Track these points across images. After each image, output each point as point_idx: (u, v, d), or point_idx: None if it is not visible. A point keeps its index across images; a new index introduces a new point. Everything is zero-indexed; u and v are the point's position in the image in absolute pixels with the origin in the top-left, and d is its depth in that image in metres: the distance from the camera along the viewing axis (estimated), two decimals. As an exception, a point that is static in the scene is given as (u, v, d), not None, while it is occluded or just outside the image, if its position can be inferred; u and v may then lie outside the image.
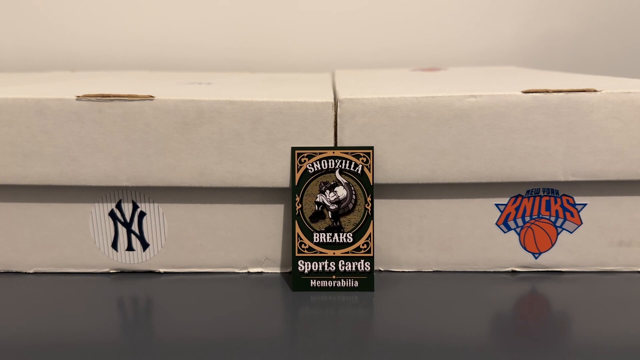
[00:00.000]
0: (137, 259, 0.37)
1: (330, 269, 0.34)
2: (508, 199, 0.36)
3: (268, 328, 0.30)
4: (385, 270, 0.38)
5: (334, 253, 0.34)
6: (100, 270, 0.38)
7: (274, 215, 0.36)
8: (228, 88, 0.41)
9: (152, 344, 0.29)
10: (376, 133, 0.34)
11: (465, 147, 0.34)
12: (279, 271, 0.38)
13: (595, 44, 0.71)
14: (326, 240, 0.34)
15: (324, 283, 0.34)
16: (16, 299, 0.34)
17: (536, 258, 0.37)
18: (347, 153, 0.34)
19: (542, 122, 0.34)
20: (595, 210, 0.36)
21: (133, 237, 0.37)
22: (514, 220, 0.36)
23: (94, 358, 0.27)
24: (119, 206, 0.37)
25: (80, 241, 0.37)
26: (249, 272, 0.38)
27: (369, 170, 0.34)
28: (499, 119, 0.34)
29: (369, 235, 0.34)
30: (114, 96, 0.34)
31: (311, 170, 0.34)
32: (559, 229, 0.37)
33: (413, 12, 0.70)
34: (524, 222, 0.37)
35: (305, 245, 0.34)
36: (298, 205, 0.34)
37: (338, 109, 0.34)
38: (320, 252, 0.34)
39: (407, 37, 0.71)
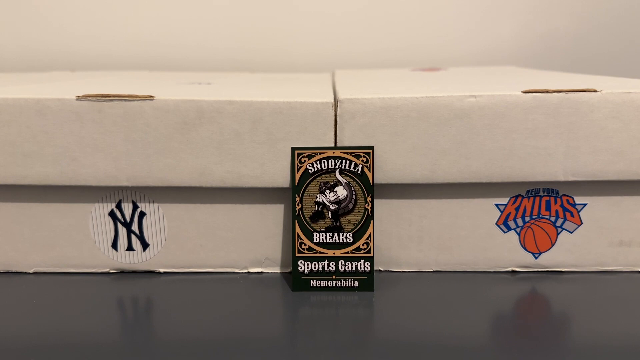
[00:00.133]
0: (137, 259, 0.37)
1: (330, 269, 0.34)
2: (508, 199, 0.36)
3: (268, 328, 0.30)
4: (385, 270, 0.38)
5: (334, 253, 0.34)
6: (100, 270, 0.38)
7: (274, 215, 0.36)
8: (228, 88, 0.41)
9: (152, 344, 0.29)
10: (376, 133, 0.34)
11: (465, 147, 0.34)
12: (279, 271, 0.38)
13: (595, 44, 0.71)
14: (326, 240, 0.34)
15: (324, 283, 0.34)
16: (16, 299, 0.34)
17: (536, 258, 0.37)
18: (347, 153, 0.34)
19: (542, 122, 0.34)
20: (595, 210, 0.36)
21: (133, 237, 0.37)
22: (514, 220, 0.36)
23: (94, 358, 0.27)
24: (119, 206, 0.37)
25: (80, 241, 0.37)
26: (249, 272, 0.38)
27: (369, 170, 0.34)
28: (499, 119, 0.34)
29: (369, 235, 0.34)
30: (114, 96, 0.34)
31: (311, 170, 0.34)
32: (559, 229, 0.37)
33: (413, 12, 0.70)
34: (524, 222, 0.37)
35: (305, 245, 0.34)
36: (298, 205, 0.34)
37: (338, 109, 0.34)
38: (320, 252, 0.34)
39: (407, 37, 0.71)
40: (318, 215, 0.34)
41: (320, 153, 0.34)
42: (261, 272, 0.38)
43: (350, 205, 0.34)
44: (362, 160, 0.34)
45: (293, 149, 0.34)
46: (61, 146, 0.34)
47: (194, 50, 0.71)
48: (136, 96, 0.33)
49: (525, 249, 0.37)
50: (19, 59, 0.71)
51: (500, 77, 0.47)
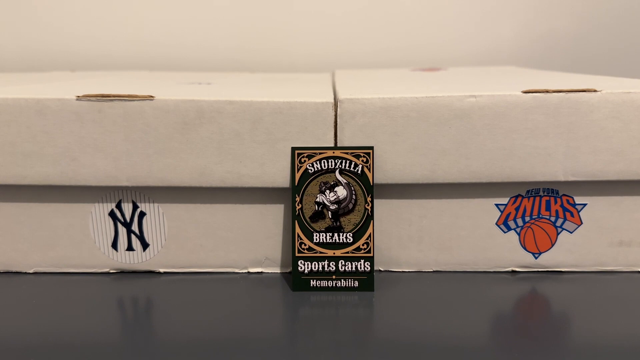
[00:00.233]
0: (137, 259, 0.37)
1: (330, 269, 0.34)
2: (508, 199, 0.36)
3: (268, 328, 0.30)
4: (385, 270, 0.38)
5: (334, 253, 0.34)
6: (100, 270, 0.38)
7: (274, 215, 0.36)
8: (228, 88, 0.41)
9: (152, 344, 0.29)
10: (376, 133, 0.34)
11: (465, 147, 0.34)
12: (279, 271, 0.38)
13: (595, 44, 0.71)
14: (326, 240, 0.34)
15: (324, 283, 0.34)
16: (16, 299, 0.34)
17: (536, 258, 0.37)
18: (347, 153, 0.34)
19: (542, 122, 0.34)
20: (595, 210, 0.36)
21: (133, 237, 0.37)
22: (514, 220, 0.36)
23: (94, 358, 0.27)
24: (119, 206, 0.37)
25: (80, 241, 0.37)
26: (249, 272, 0.38)
27: (369, 170, 0.34)
28: (499, 119, 0.34)
29: (369, 235, 0.34)
30: (114, 96, 0.34)
31: (311, 170, 0.34)
32: (559, 229, 0.37)
33: (413, 12, 0.70)
34: (524, 222, 0.37)
35: (305, 245, 0.34)
36: (298, 205, 0.34)
37: (338, 109, 0.34)
38: (320, 252, 0.34)
39: (407, 37, 0.71)
40: (318, 215, 0.34)
41: (320, 153, 0.34)
42: (261, 272, 0.38)
43: (350, 205, 0.34)
44: (362, 160, 0.34)
45: (293, 149, 0.34)
46: (61, 146, 0.34)
47: (194, 50, 0.71)
48: (136, 96, 0.33)
49: (525, 249, 0.37)
50: (19, 59, 0.71)
51: (500, 77, 0.47)
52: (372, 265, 0.34)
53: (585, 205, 0.36)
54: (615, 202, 0.36)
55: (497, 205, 0.36)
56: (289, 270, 0.37)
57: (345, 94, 0.34)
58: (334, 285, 0.34)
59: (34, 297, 0.34)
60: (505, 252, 0.37)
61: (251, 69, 0.71)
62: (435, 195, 0.36)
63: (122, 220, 0.37)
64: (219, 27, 0.71)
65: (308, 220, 0.34)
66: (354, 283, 0.34)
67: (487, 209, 0.36)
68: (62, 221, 0.37)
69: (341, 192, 0.34)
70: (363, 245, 0.34)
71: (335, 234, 0.34)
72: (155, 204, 0.36)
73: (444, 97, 0.33)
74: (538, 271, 0.37)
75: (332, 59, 0.71)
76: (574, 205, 0.36)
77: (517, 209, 0.36)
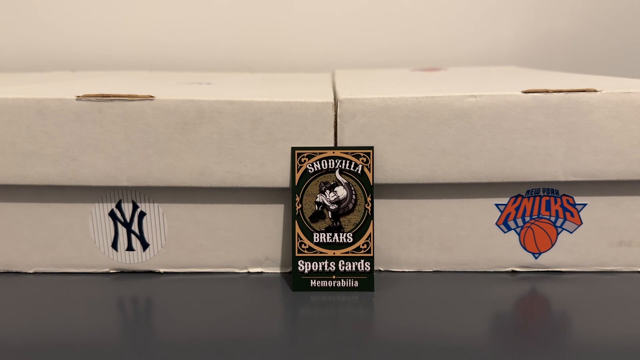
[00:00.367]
0: (137, 259, 0.37)
1: (330, 269, 0.34)
2: (508, 199, 0.36)
3: (268, 328, 0.30)
4: (385, 270, 0.38)
5: (334, 253, 0.34)
6: (100, 270, 0.38)
7: (274, 215, 0.36)
8: (228, 88, 0.41)
9: (152, 344, 0.29)
10: (376, 133, 0.34)
11: (465, 147, 0.34)
12: (279, 271, 0.38)
13: (595, 44, 0.71)
14: (326, 240, 0.34)
15: (324, 283, 0.34)
16: (16, 299, 0.34)
17: (536, 258, 0.37)
18: (347, 153, 0.34)
19: (542, 122, 0.34)
20: (595, 210, 0.36)
21: (133, 237, 0.37)
22: (514, 220, 0.37)
23: (94, 358, 0.27)
24: (119, 206, 0.37)
25: (80, 241, 0.37)
26: (249, 272, 0.38)
27: (369, 170, 0.34)
28: (499, 119, 0.34)
29: (369, 235, 0.34)
30: (114, 96, 0.34)
31: (311, 170, 0.34)
32: (559, 229, 0.37)
33: (413, 12, 0.70)
34: (524, 222, 0.37)
35: (305, 245, 0.34)
36: (298, 205, 0.34)
37: (338, 109, 0.34)
38: (320, 252, 0.34)
39: (407, 37, 0.71)
40: (318, 215, 0.34)
41: (320, 153, 0.34)
42: (261, 272, 0.38)
43: (350, 205, 0.34)
44: (362, 160, 0.34)
45: (293, 149, 0.34)
46: (61, 146, 0.34)
47: (194, 50, 0.71)
48: (136, 96, 0.33)
49: (525, 249, 0.37)
50: (19, 59, 0.71)
51: (500, 77, 0.47)
52: (372, 265, 0.34)
53: (585, 205, 0.36)
54: (615, 202, 0.36)
55: (497, 205, 0.36)
56: (289, 270, 0.37)
57: (345, 94, 0.34)
58: (334, 285, 0.34)
59: (34, 297, 0.34)
60: (505, 252, 0.37)
61: (251, 69, 0.71)
62: (435, 195, 0.36)
63: (122, 220, 0.37)
64: (219, 27, 0.71)
65: (308, 220, 0.34)
66: (354, 283, 0.34)
67: (487, 209, 0.36)
68: (62, 221, 0.37)
69: (341, 192, 0.34)
70: (363, 245, 0.34)
71: (335, 234, 0.34)
72: (155, 204, 0.36)
73: (444, 97, 0.33)
74: (538, 271, 0.37)
75: (332, 59, 0.71)
76: (574, 205, 0.36)
77: (517, 209, 0.36)
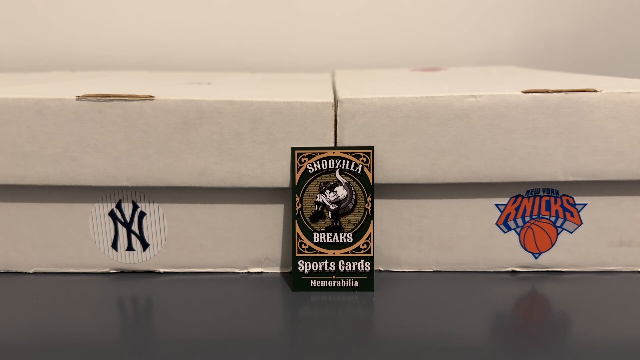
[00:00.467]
0: (137, 259, 0.37)
1: (330, 269, 0.34)
2: (508, 199, 0.36)
3: (268, 328, 0.30)
4: (385, 270, 0.38)
5: (334, 253, 0.34)
6: (100, 270, 0.38)
7: (274, 215, 0.36)
8: (228, 88, 0.41)
9: (152, 344, 0.29)
10: (376, 133, 0.34)
11: (465, 147, 0.34)
12: (279, 271, 0.38)
13: (595, 44, 0.71)
14: (326, 240, 0.34)
15: (324, 283, 0.34)
16: (16, 299, 0.34)
17: (536, 258, 0.37)
18: (347, 153, 0.34)
19: (542, 122, 0.34)
20: (595, 210, 0.36)
21: (133, 237, 0.37)
22: (514, 220, 0.37)
23: (94, 358, 0.27)
24: (119, 206, 0.37)
25: (80, 241, 0.37)
26: (249, 272, 0.38)
27: (369, 170, 0.34)
28: (499, 119, 0.34)
29: (369, 235, 0.34)
30: (114, 96, 0.34)
31: (311, 170, 0.34)
32: (559, 229, 0.37)
33: (413, 12, 0.70)
34: (524, 222, 0.37)
35: (305, 245, 0.34)
36: (298, 205, 0.34)
37: (338, 109, 0.34)
38: (320, 252, 0.34)
39: (407, 37, 0.71)
40: (318, 215, 0.34)
41: (320, 153, 0.34)
42: (261, 272, 0.38)
43: (350, 205, 0.34)
44: (362, 160, 0.34)
45: (293, 149, 0.34)
46: (61, 146, 0.34)
47: (194, 50, 0.71)
48: (136, 96, 0.33)
49: (525, 249, 0.37)
50: (19, 59, 0.71)
51: (500, 77, 0.47)
52: (372, 265, 0.34)
53: (585, 205, 0.36)
54: (615, 202, 0.36)
55: (497, 205, 0.36)
56: (289, 270, 0.37)
57: (345, 94, 0.34)
58: (334, 285, 0.34)
59: (34, 297, 0.34)
60: (505, 252, 0.37)
61: (251, 69, 0.71)
62: (435, 195, 0.36)
63: (122, 220, 0.37)
64: (219, 27, 0.71)
65: (308, 220, 0.34)
66: (354, 283, 0.34)
67: (487, 209, 0.36)
68: (62, 221, 0.37)
69: (341, 192, 0.34)
70: (363, 245, 0.34)
71: (335, 234, 0.34)
72: (155, 204, 0.36)
73: (444, 97, 0.33)
74: (538, 271, 0.37)
75: (332, 59, 0.71)
76: (574, 205, 0.36)
77: (517, 209, 0.36)
